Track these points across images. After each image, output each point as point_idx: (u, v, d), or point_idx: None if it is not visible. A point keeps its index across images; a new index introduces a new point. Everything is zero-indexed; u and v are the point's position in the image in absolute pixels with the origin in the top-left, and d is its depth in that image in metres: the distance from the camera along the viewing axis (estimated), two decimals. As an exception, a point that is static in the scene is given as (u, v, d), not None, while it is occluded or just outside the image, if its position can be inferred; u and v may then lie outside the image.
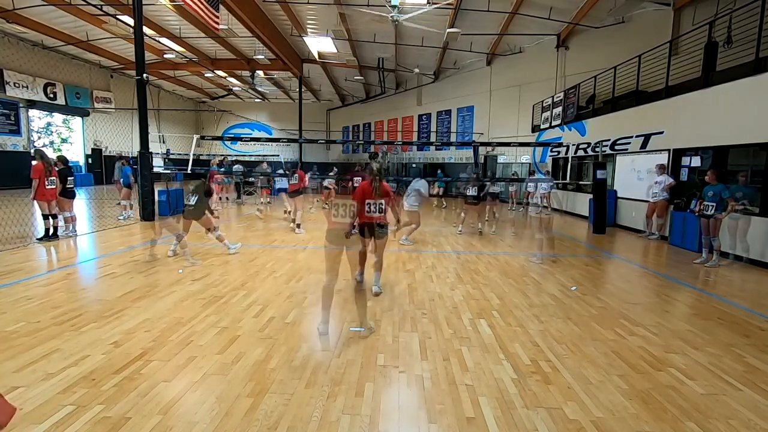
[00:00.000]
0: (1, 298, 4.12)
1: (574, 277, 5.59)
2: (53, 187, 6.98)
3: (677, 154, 8.53)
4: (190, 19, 13.74)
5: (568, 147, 12.93)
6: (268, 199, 13.38)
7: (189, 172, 12.10)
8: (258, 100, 28.82)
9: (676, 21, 11.35)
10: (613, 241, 8.60)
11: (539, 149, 15.91)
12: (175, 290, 4.51)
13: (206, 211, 5.96)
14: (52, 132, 19.58)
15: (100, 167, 20.69)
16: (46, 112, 18.47)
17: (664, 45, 9.24)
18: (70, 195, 7.44)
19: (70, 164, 7.93)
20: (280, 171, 12.81)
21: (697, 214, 6.59)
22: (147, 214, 9.26)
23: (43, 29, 14.93)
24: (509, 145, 12.60)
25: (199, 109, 29.99)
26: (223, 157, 16.34)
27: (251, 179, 15.73)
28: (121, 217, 9.37)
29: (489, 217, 10.25)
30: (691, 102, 8.02)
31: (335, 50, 16.82)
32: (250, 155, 26.67)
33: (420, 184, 7.59)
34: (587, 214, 11.13)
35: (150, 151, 9.56)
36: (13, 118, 16.29)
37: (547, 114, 14.90)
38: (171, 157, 21.30)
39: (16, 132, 16.50)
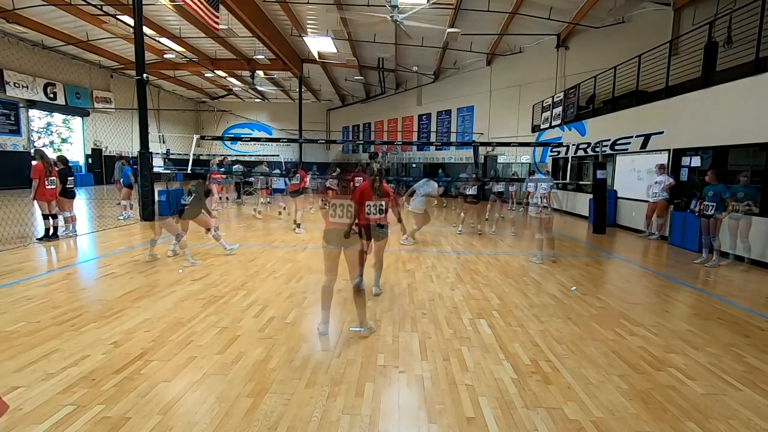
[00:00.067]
0: (1, 298, 4.12)
1: (574, 277, 5.59)
2: (53, 187, 6.99)
3: (677, 154, 8.53)
4: (190, 19, 13.73)
5: (568, 147, 12.93)
6: (268, 200, 13.37)
7: (189, 172, 12.09)
8: (258, 100, 28.80)
9: (676, 21, 11.34)
10: (613, 241, 8.60)
11: (539, 149, 15.91)
12: (175, 290, 4.51)
13: (203, 211, 5.96)
14: (52, 132, 19.57)
15: (100, 167, 20.68)
16: (46, 112, 18.46)
17: (664, 45, 9.23)
18: (70, 195, 7.45)
19: (70, 164, 7.93)
20: (277, 171, 12.80)
21: (697, 214, 6.60)
22: (147, 214, 9.26)
23: (43, 29, 14.92)
24: (509, 145, 12.59)
25: (199, 109, 29.97)
26: (223, 157, 16.31)
27: (251, 179, 15.72)
28: (121, 217, 9.37)
29: (489, 216, 10.24)
30: (691, 102, 8.02)
31: (335, 50, 16.81)
32: (250, 155, 26.64)
33: (431, 187, 7.55)
34: (587, 214, 11.14)
35: (150, 151, 9.56)
36: (13, 118, 16.29)
37: (547, 114, 14.89)
38: (171, 157, 21.24)
39: (16, 132, 16.50)
